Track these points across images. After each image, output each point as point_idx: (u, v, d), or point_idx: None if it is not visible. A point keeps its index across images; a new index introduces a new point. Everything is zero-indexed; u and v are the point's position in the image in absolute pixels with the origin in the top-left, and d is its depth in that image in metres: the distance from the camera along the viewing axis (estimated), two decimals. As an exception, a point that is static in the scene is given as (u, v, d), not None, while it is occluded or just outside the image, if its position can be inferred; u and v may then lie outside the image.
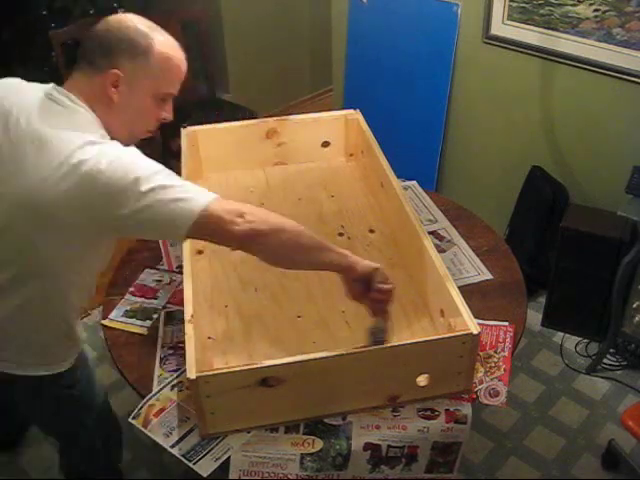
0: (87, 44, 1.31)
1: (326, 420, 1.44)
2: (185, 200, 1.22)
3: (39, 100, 1.27)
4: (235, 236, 1.25)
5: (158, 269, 1.88)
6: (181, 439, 1.41)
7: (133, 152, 1.27)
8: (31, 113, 1.25)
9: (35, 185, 1.20)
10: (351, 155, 2.25)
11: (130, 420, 1.46)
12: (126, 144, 1.28)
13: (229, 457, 1.38)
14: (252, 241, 1.27)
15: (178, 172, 2.02)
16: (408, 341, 1.40)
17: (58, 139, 1.21)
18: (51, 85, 1.32)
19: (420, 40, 2.96)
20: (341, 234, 1.94)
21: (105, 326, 1.70)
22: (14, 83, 1.38)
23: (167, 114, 1.39)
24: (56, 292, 1.38)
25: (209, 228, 1.25)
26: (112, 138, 1.29)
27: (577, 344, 2.71)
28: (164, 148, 3.57)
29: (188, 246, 1.65)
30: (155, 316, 1.72)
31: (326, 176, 2.20)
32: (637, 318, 2.45)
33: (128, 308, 1.75)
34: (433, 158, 3.13)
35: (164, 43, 1.32)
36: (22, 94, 1.32)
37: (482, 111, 2.93)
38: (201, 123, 2.19)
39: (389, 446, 1.43)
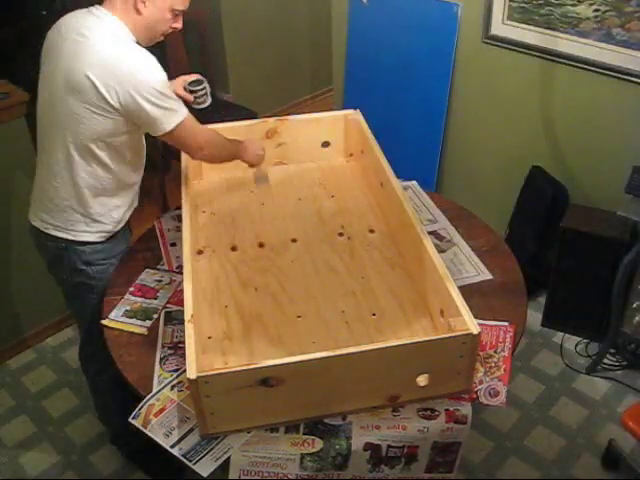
0: None
1: (326, 420, 1.45)
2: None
3: (82, 14, 1.77)
4: (191, 156, 1.89)
5: (158, 269, 1.88)
6: (181, 439, 1.41)
7: None
8: (77, 21, 1.76)
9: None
10: (351, 155, 2.25)
11: (130, 420, 1.46)
12: (145, 46, 1.74)
13: (229, 457, 1.38)
14: (200, 159, 1.93)
15: (178, 172, 2.04)
16: (408, 341, 1.39)
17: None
18: (95, 5, 1.75)
19: (420, 40, 2.97)
20: (341, 234, 1.93)
21: (105, 326, 1.70)
22: (73, 13, 1.82)
23: (178, 25, 1.81)
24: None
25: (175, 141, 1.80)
26: (137, 42, 1.72)
27: (577, 344, 2.72)
28: (164, 148, 3.56)
29: (188, 246, 1.65)
30: (155, 316, 1.72)
31: (326, 176, 2.20)
32: (637, 318, 2.45)
33: (128, 308, 1.75)
34: (433, 158, 3.13)
35: None
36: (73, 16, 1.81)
37: (482, 111, 2.93)
38: (201, 123, 2.18)
39: (389, 446, 1.44)
